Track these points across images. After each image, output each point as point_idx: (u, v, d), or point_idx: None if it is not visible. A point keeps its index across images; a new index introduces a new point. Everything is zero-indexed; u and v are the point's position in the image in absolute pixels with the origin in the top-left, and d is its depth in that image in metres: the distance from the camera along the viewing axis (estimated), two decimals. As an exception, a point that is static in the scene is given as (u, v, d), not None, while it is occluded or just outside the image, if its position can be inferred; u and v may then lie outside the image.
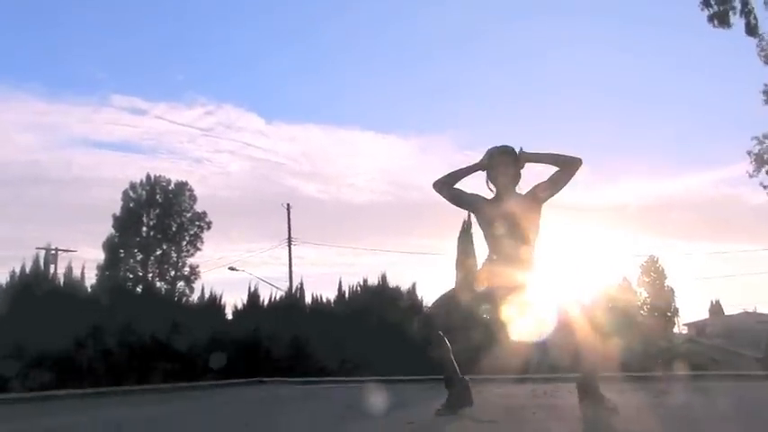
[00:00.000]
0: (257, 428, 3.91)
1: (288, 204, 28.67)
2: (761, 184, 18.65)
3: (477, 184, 4.14)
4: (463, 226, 20.95)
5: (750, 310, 40.79)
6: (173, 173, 45.88)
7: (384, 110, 59.24)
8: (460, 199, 4.11)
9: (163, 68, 55.04)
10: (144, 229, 36.18)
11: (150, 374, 10.96)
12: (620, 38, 55.95)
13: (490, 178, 4.00)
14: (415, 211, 53.22)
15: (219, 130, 64.53)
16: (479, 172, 4.04)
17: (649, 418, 3.69)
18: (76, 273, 15.61)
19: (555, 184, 3.94)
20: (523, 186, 4.03)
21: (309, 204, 47.55)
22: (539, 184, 3.98)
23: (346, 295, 18.21)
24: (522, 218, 3.90)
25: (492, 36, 56.85)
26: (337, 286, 18.50)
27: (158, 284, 33.35)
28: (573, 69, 56.54)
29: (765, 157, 18.64)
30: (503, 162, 3.96)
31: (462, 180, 4.10)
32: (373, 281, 18.38)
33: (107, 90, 63.19)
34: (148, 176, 36.91)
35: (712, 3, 18.35)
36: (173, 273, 35.79)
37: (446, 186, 4.08)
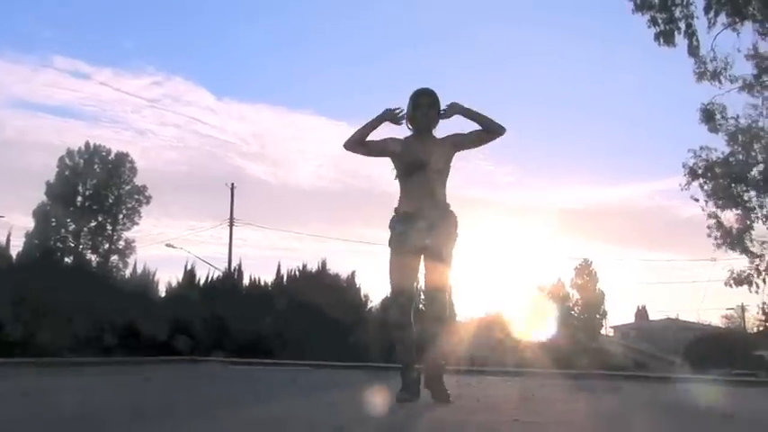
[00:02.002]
0: (186, 402, 3.84)
1: (232, 184, 28.12)
2: (692, 196, 19.46)
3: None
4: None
5: (673, 317, 42.73)
6: (114, 143, 44.07)
7: (339, 97, 58.62)
8: (375, 150, 4.11)
9: (111, 32, 52.43)
10: (79, 198, 34.81)
11: (75, 348, 10.61)
12: (573, 50, 57.26)
13: (409, 119, 4.06)
14: (361, 201, 53.17)
15: (166, 102, 62.71)
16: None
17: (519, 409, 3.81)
18: (2, 239, 14.96)
19: (474, 142, 4.03)
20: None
21: (255, 186, 46.69)
22: (457, 134, 4.04)
23: (284, 279, 18.13)
24: (438, 161, 3.99)
25: (452, 39, 57.13)
26: (276, 269, 18.40)
27: (90, 257, 32.27)
28: (526, 76, 57.52)
29: (698, 170, 19.46)
30: (424, 103, 4.02)
31: (372, 133, 4.11)
32: (313, 267, 18.38)
33: (49, 50, 59.94)
34: (87, 144, 35.52)
35: (659, 22, 19.11)
36: (107, 246, 34.66)
37: (357, 144, 4.09)
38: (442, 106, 4.04)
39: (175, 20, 53.61)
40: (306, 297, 15.83)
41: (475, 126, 4.00)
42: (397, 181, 4.11)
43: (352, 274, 18.51)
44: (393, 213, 4.13)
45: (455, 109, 4.00)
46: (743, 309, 38.60)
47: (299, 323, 14.38)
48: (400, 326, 3.93)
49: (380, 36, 57.30)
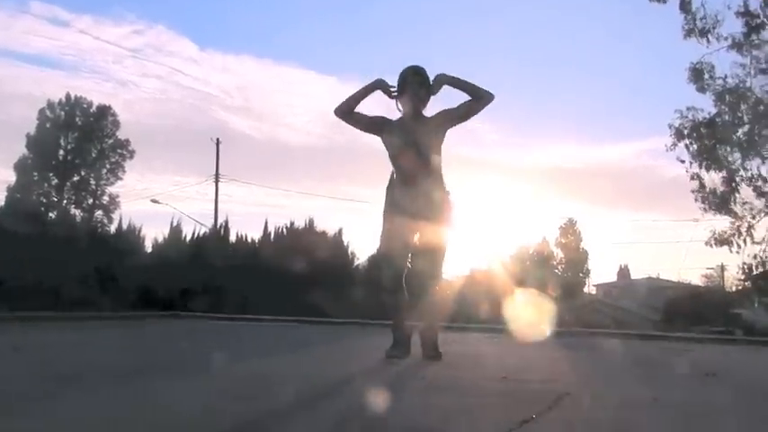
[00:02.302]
0: (172, 359, 3.86)
1: (218, 139, 27.74)
2: (677, 158, 19.52)
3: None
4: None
5: (654, 276, 43.56)
6: (95, 94, 43.44)
7: (327, 50, 57.56)
8: (363, 123, 4.08)
9: (90, -22, 51.03)
10: (61, 152, 34.30)
11: (60, 302, 10.59)
12: (561, 7, 56.51)
13: (399, 98, 4.01)
14: (349, 157, 52.95)
15: (148, 52, 61.09)
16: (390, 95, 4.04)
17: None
18: (-17, 193, 14.72)
19: (465, 114, 3.98)
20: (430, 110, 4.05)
21: (241, 141, 46.15)
22: (448, 110, 3.99)
23: (272, 236, 18.14)
24: (430, 142, 3.96)
25: (439, -14, 55.97)
26: (263, 226, 18.39)
27: (74, 212, 32.01)
28: (516, 32, 56.85)
29: (685, 131, 19.49)
30: (414, 82, 3.96)
31: (363, 101, 4.08)
32: (300, 224, 18.39)
33: (26, -6, 58.20)
34: (68, 96, 34.78)
35: (651, -24, 18.85)
36: (90, 201, 34.34)
37: (345, 113, 4.06)
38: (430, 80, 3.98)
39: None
40: (293, 254, 15.88)
41: (464, 97, 3.94)
42: (390, 160, 4.07)
43: (340, 231, 18.56)
44: (388, 179, 4.13)
45: (442, 80, 3.95)
46: (722, 268, 39.38)
47: (285, 280, 14.44)
48: (392, 288, 3.96)
49: (369, -11, 56.04)
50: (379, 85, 4.01)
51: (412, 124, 3.95)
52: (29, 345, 4.68)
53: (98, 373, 2.97)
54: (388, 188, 4.13)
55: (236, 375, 3.00)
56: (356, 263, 19.03)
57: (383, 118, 4.05)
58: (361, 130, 4.15)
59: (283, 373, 3.22)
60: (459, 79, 3.95)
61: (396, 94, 3.97)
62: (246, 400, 2.23)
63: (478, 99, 3.93)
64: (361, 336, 7.00)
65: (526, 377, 3.07)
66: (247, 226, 50.01)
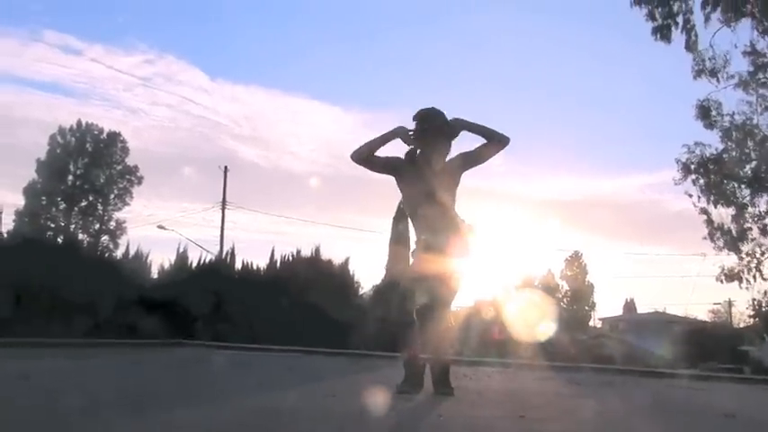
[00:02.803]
0: (177, 389, 3.82)
1: (225, 167, 27.94)
2: (686, 192, 19.57)
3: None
4: (399, 206, 21.18)
5: (660, 310, 43.16)
6: (105, 121, 43.68)
7: (333, 81, 58.33)
8: (380, 166, 4.06)
9: (103, 6, 51.91)
10: (70, 177, 34.55)
11: (68, 329, 10.55)
12: (568, 40, 57.26)
13: (421, 150, 3.95)
14: (353, 186, 53.17)
15: (159, 81, 61.99)
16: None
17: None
18: (-8, 216, 14.81)
19: (480, 158, 3.97)
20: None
21: (247, 169, 46.46)
22: (466, 154, 3.98)
23: (278, 264, 18.08)
24: (449, 189, 3.96)
25: (446, 22, 56.84)
26: (270, 254, 18.33)
27: (81, 237, 32.07)
28: (520, 64, 57.47)
29: (692, 166, 19.56)
30: (439, 143, 3.92)
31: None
32: (306, 252, 18.33)
33: (39, 24, 59.01)
34: (79, 122, 35.20)
35: (657, 16, 19.12)
36: (97, 226, 34.45)
37: (364, 159, 4.04)
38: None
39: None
40: (299, 283, 15.83)
41: (479, 140, 3.94)
42: (406, 204, 4.08)
43: (346, 260, 18.49)
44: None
45: (458, 126, 3.95)
46: (730, 304, 39.04)
47: (292, 309, 14.36)
48: (402, 320, 3.93)
49: (377, 19, 56.90)
50: (399, 132, 3.97)
51: (430, 173, 3.92)
52: (37, 372, 4.65)
53: (110, 403, 2.94)
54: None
55: (247, 408, 2.97)
56: (361, 292, 18.96)
57: (399, 159, 4.02)
58: (376, 172, 4.13)
59: (295, 407, 3.17)
60: (475, 124, 3.95)
61: (413, 137, 3.94)
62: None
63: (495, 143, 3.93)
64: (369, 368, 6.93)
65: (543, 416, 3.03)
66: (252, 253, 50.16)
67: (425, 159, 3.95)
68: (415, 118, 3.98)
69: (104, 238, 33.80)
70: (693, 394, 4.91)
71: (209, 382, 4.55)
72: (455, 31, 55.73)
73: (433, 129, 3.90)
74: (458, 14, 54.20)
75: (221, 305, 14.41)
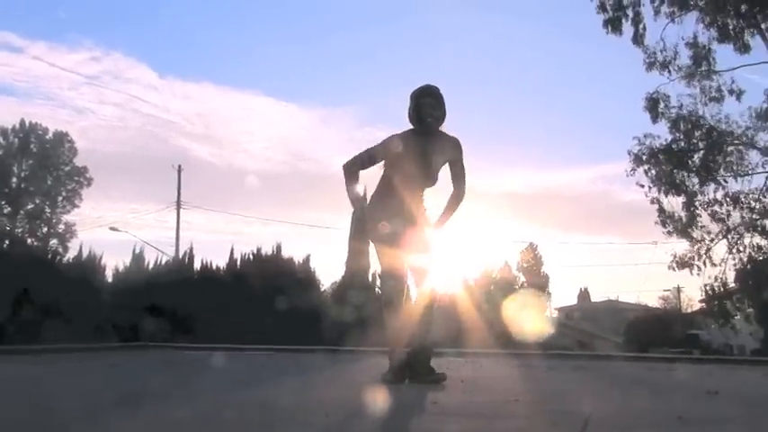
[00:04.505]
0: (152, 391, 3.68)
1: (179, 166, 27.32)
2: (637, 182, 20.11)
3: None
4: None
5: (613, 299, 44.43)
6: (50, 121, 42.09)
7: (287, 77, 57.74)
8: (374, 163, 4.07)
9: (44, 2, 49.91)
10: (14, 180, 33.19)
11: (26, 336, 10.13)
12: (523, 35, 58.09)
13: (411, 120, 3.97)
14: (310, 183, 52.72)
15: (106, 79, 60.30)
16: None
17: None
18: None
19: (453, 175, 4.09)
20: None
21: (200, 167, 45.52)
22: (454, 157, 4.02)
23: (238, 263, 17.80)
24: (438, 159, 3.98)
25: (397, 19, 57.02)
26: (229, 254, 18.03)
27: (28, 241, 30.88)
28: (475, 60, 58.05)
29: (643, 157, 20.12)
30: (427, 105, 3.91)
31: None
32: (267, 250, 18.10)
33: (-24, 21, 56.64)
34: (23, 122, 33.83)
35: (608, 8, 19.62)
36: (45, 229, 33.22)
37: (354, 173, 4.07)
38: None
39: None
40: (260, 281, 15.62)
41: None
42: (384, 168, 4.05)
43: (307, 257, 18.35)
44: (371, 199, 4.12)
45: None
46: (678, 290, 40.43)
47: (253, 308, 14.16)
48: (392, 306, 3.91)
49: (329, 15, 56.56)
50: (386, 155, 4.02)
51: (426, 139, 3.95)
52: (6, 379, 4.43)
53: (88, 406, 2.80)
54: (353, 215, 4.09)
55: (229, 404, 2.88)
56: (322, 289, 18.86)
57: (393, 138, 4.00)
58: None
59: (279, 401, 3.09)
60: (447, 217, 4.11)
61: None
62: (266, 429, 2.13)
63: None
64: (344, 362, 6.88)
65: (537, 399, 3.04)
66: (210, 254, 49.09)
67: (419, 133, 3.94)
68: (411, 96, 4.00)
69: (53, 241, 32.65)
70: (669, 374, 5.04)
71: (184, 382, 4.41)
72: (411, 28, 55.96)
73: (427, 105, 3.92)
74: (413, 12, 54.44)
75: (181, 306, 14.08)
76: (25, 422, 2.31)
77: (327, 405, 2.74)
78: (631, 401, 3.05)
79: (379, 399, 3.18)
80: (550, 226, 69.89)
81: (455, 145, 4.03)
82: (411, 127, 4.00)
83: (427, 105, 3.91)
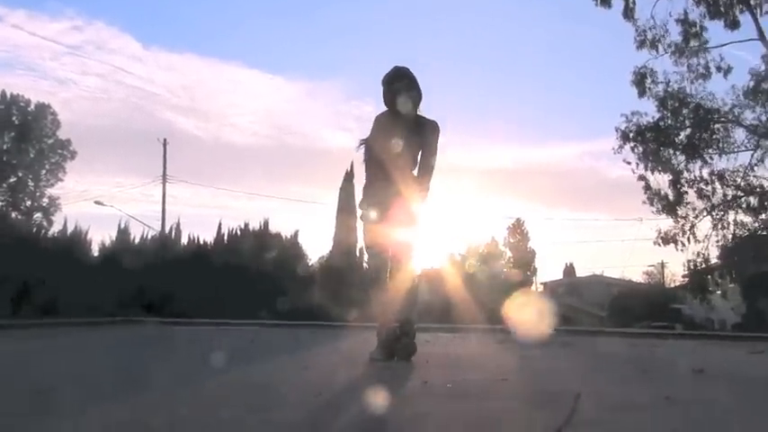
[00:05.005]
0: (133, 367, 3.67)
1: (164, 140, 27.01)
2: (624, 159, 20.20)
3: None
4: (345, 176, 21.08)
5: (598, 274, 44.91)
6: (32, 92, 41.34)
7: (273, 49, 57.10)
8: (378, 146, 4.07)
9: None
10: (-5, 152, 32.71)
11: (13, 310, 10.08)
12: (512, 11, 57.69)
13: (387, 104, 3.96)
14: (297, 158, 52.53)
15: (89, 49, 58.64)
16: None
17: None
18: None
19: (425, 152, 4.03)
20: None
21: (186, 141, 45.17)
22: (427, 139, 3.98)
23: (225, 238, 17.75)
24: (416, 142, 3.95)
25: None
26: (216, 228, 17.98)
27: (12, 215, 30.53)
28: (462, 34, 57.65)
29: (630, 134, 20.19)
30: (401, 88, 3.89)
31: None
32: (254, 225, 18.06)
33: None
34: (3, 94, 33.10)
35: (597, -19, 19.47)
36: (29, 203, 32.81)
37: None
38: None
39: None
40: (248, 256, 15.61)
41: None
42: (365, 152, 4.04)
43: (296, 233, 18.35)
44: (365, 183, 4.11)
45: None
46: (662, 265, 40.98)
47: (241, 283, 14.16)
48: (378, 280, 3.93)
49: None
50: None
51: (404, 122, 3.93)
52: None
53: (86, 385, 2.79)
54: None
55: (230, 382, 2.87)
56: (310, 263, 18.90)
57: (380, 117, 3.98)
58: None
59: (278, 380, 3.09)
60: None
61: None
62: (261, 412, 2.13)
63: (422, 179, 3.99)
64: (331, 338, 6.91)
65: (526, 378, 3.07)
66: (197, 228, 48.83)
67: (396, 116, 3.94)
68: (383, 81, 3.99)
69: (37, 215, 32.28)
70: (654, 351, 5.11)
71: (172, 363, 4.40)
72: (400, 1, 55.26)
73: (401, 88, 3.90)
74: (399, -18, 53.65)
75: (167, 281, 14.04)
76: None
77: (319, 385, 2.75)
78: (619, 381, 3.09)
79: (369, 378, 3.20)
80: (537, 201, 70.18)
81: (433, 128, 4.00)
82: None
83: (401, 89, 3.89)
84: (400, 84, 3.92)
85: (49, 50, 58.20)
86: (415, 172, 4.01)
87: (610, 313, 33.92)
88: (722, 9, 18.15)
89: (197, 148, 45.97)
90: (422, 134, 3.95)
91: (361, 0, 55.73)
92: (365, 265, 4.42)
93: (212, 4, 54.48)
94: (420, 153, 4.00)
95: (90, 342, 6.14)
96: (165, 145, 26.97)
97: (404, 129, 3.90)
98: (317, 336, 7.37)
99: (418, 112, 3.99)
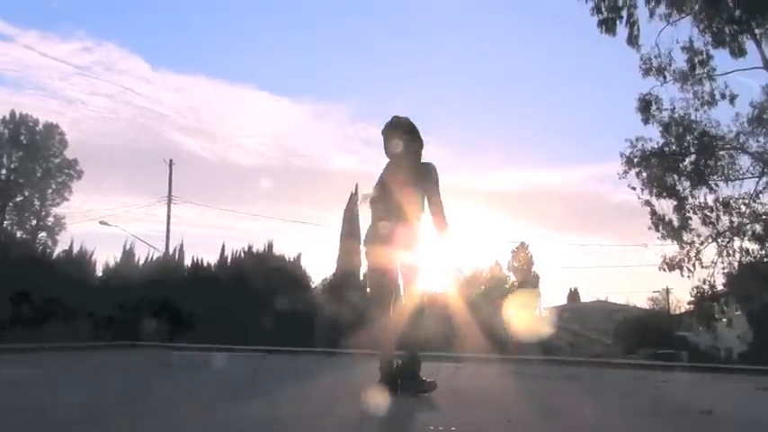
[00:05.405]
0: (137, 396, 3.63)
1: (170, 160, 27.10)
2: (629, 185, 20.17)
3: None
4: (350, 199, 21.10)
5: (603, 299, 44.64)
6: (40, 112, 41.73)
7: (281, 71, 57.28)
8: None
9: (37, -10, 49.28)
10: (3, 171, 32.86)
11: (9, 334, 10.03)
12: (518, 33, 58.06)
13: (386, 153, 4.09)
14: (302, 179, 52.58)
15: (98, 69, 59.43)
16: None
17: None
18: None
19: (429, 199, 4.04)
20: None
21: (192, 161, 45.22)
22: (428, 183, 4.01)
23: (229, 260, 17.74)
24: (401, 184, 3.98)
25: (390, 12, 56.83)
26: (220, 251, 17.98)
27: (17, 234, 30.65)
28: (469, 57, 58.00)
29: (635, 160, 20.18)
30: (388, 142, 4.02)
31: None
32: (258, 247, 18.06)
33: (-35, 8, 55.88)
34: (12, 113, 33.44)
35: (603, 9, 19.63)
36: (34, 222, 32.92)
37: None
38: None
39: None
40: (252, 279, 15.58)
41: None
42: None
43: (298, 256, 18.33)
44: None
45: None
46: (667, 291, 40.69)
47: (245, 306, 14.12)
48: (382, 306, 3.90)
49: (323, 9, 56.31)
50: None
51: (391, 166, 4.08)
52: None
53: (83, 414, 2.76)
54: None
55: (241, 418, 2.84)
56: (313, 286, 18.82)
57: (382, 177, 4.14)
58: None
59: (282, 415, 3.05)
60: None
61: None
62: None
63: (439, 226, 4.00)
64: (334, 368, 6.85)
65: (531, 419, 3.03)
66: (201, 249, 48.92)
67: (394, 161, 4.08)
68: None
69: (42, 234, 32.39)
70: (660, 388, 5.03)
71: (183, 390, 4.36)
72: (406, 24, 55.75)
73: (388, 142, 4.06)
74: (408, 8, 54.23)
75: (171, 303, 14.01)
76: None
77: (323, 419, 2.73)
78: (628, 425, 3.04)
79: (371, 414, 3.16)
80: (541, 225, 70.07)
81: (429, 170, 4.04)
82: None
83: (389, 143, 4.03)
84: (393, 131, 4.03)
85: (59, 71, 58.71)
86: (426, 216, 4.02)
87: (615, 340, 33.62)
88: (727, 38, 18.25)
89: (203, 169, 46.14)
90: (422, 178, 3.99)
91: (368, 22, 56.23)
92: (368, 289, 4.41)
93: (222, 27, 55.09)
94: (425, 198, 4.01)
95: (81, 369, 6.10)
96: (170, 166, 27.07)
97: (404, 173, 3.94)
98: (321, 364, 7.32)
99: (422, 160, 4.05)
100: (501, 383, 5.23)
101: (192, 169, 47.20)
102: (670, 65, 19.31)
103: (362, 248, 4.16)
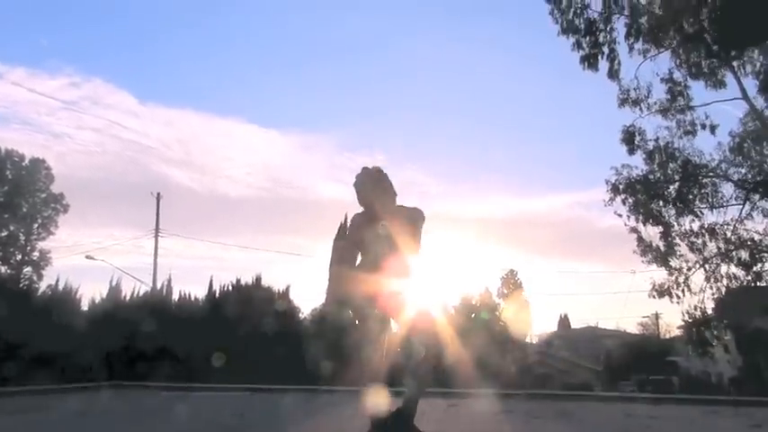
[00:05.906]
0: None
1: (158, 193, 27.02)
2: (615, 212, 20.38)
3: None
4: (339, 229, 21.07)
5: (593, 325, 44.62)
6: (26, 146, 41.62)
7: (269, 104, 57.86)
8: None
9: (26, 29, 49.63)
10: (-12, 206, 32.59)
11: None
12: (503, 67, 59.05)
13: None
14: (290, 210, 52.63)
15: (84, 104, 59.46)
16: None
17: None
18: None
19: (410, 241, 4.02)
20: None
21: (179, 193, 45.22)
22: (411, 223, 4.02)
23: (217, 294, 17.55)
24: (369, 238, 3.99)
25: (378, 49, 57.78)
26: (208, 284, 17.79)
27: (1, 269, 30.27)
28: (455, 87, 58.85)
29: (620, 187, 20.42)
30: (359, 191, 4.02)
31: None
32: (247, 280, 17.89)
33: (-46, 45, 55.90)
34: (-2, 148, 33.32)
35: (584, 46, 20.03)
36: (19, 257, 32.53)
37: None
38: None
39: (96, 17, 51.49)
40: (240, 314, 15.42)
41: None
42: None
43: (287, 288, 18.18)
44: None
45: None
46: (657, 316, 40.81)
47: (234, 342, 13.94)
48: (370, 336, 3.87)
49: (310, 43, 57.06)
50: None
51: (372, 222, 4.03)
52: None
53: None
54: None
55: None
56: (302, 317, 18.62)
57: (354, 218, 4.18)
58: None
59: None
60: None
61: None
62: None
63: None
64: (325, 408, 6.77)
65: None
66: (189, 282, 48.53)
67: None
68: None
69: (27, 269, 31.96)
70: (651, 427, 5.02)
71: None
72: (392, 56, 56.62)
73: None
74: (393, 41, 55.11)
75: (158, 340, 13.81)
76: None
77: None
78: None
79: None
80: (529, 251, 70.33)
81: (410, 215, 4.04)
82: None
83: (360, 193, 4.03)
84: (358, 187, 4.04)
85: (46, 106, 58.77)
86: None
87: (605, 367, 33.55)
88: (705, 71, 18.67)
89: (192, 201, 46.05)
90: (412, 218, 4.01)
91: (356, 55, 57.01)
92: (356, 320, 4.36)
93: (210, 61, 55.64)
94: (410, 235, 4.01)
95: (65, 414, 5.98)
96: (158, 199, 26.99)
97: (370, 229, 3.96)
98: (310, 405, 7.22)
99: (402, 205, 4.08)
100: (494, 427, 5.19)
101: (180, 201, 47.12)
102: (648, 97, 19.74)
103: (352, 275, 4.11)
